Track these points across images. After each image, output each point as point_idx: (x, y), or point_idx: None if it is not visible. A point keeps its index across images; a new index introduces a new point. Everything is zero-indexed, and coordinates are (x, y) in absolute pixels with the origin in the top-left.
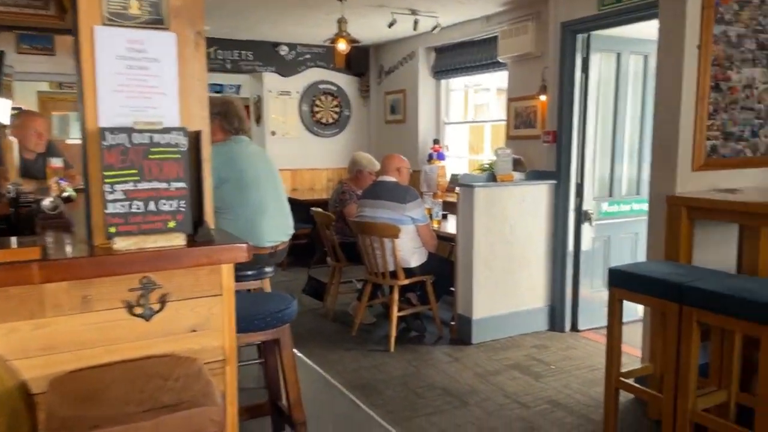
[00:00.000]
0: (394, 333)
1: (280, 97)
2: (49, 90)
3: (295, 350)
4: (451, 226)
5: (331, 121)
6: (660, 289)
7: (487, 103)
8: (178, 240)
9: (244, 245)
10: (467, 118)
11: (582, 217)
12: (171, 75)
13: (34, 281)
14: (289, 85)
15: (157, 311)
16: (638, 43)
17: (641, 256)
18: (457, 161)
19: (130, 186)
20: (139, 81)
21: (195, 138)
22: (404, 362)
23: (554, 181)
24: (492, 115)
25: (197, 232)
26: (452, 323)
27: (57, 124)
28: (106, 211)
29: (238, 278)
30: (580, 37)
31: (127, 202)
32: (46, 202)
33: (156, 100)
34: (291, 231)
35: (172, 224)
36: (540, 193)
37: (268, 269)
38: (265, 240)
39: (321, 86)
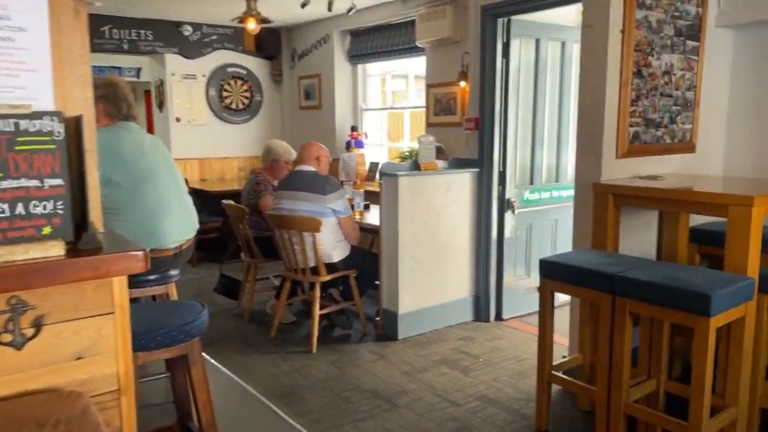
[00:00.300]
0: (316, 332)
1: (185, 80)
2: None
3: (206, 356)
4: (373, 217)
5: (241, 106)
6: (592, 280)
7: (405, 91)
8: (56, 249)
9: (141, 252)
10: (386, 105)
11: (505, 205)
12: (43, 48)
13: None
14: (195, 68)
15: (31, 337)
16: (556, 30)
17: (562, 243)
18: (376, 149)
19: None
20: (2, 55)
21: (75, 124)
22: (328, 363)
23: (477, 169)
24: (411, 102)
25: (80, 239)
26: (377, 319)
27: None
28: None
29: (139, 284)
30: (500, 22)
31: None
32: None
33: (24, 79)
34: (196, 227)
35: (47, 230)
36: (464, 181)
37: (173, 272)
38: (168, 240)
39: (230, 69)
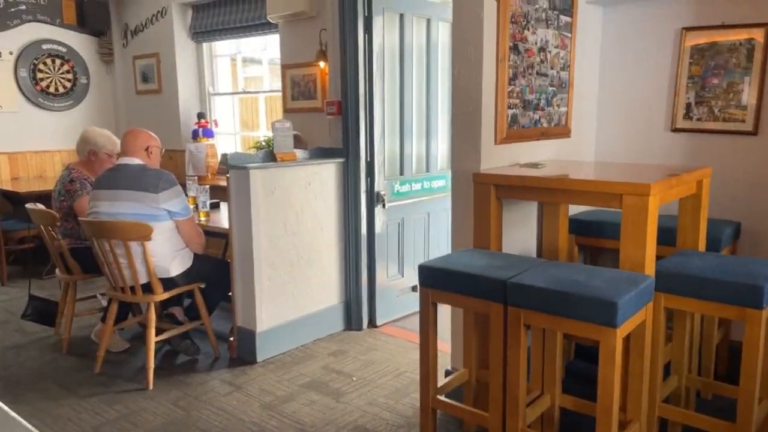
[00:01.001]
0: (152, 364)
1: None
2: None
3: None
4: (223, 218)
5: (62, 90)
6: (481, 287)
7: (260, 76)
8: None
9: None
10: (238, 89)
11: (374, 198)
12: None
13: None
14: None
15: None
16: (421, 5)
17: (435, 238)
18: (228, 139)
19: None
20: None
21: None
22: (168, 404)
23: (342, 159)
24: (266, 86)
25: None
26: (231, 339)
27: None
28: None
29: None
30: None
31: None
32: None
33: None
34: None
35: None
36: (327, 173)
37: None
38: None
39: (45, 47)
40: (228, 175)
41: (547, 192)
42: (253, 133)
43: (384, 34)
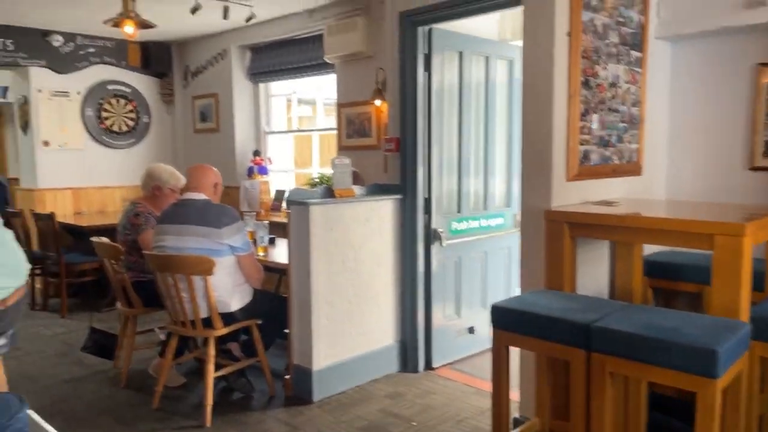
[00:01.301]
0: (210, 401)
1: (55, 98)
2: None
3: None
4: (279, 253)
5: (125, 129)
6: (562, 331)
7: (312, 117)
8: None
9: None
10: (292, 128)
11: (432, 236)
12: None
13: None
14: (68, 84)
15: None
16: (480, 43)
17: (492, 278)
18: (281, 176)
19: None
20: None
21: None
22: None
23: (400, 196)
24: (320, 124)
25: None
26: (287, 377)
27: None
28: None
29: None
30: (421, 31)
31: None
32: None
33: None
34: (24, 271)
35: None
36: (385, 210)
37: None
38: None
39: (110, 87)
40: (288, 211)
41: (625, 231)
42: (305, 171)
43: (443, 71)
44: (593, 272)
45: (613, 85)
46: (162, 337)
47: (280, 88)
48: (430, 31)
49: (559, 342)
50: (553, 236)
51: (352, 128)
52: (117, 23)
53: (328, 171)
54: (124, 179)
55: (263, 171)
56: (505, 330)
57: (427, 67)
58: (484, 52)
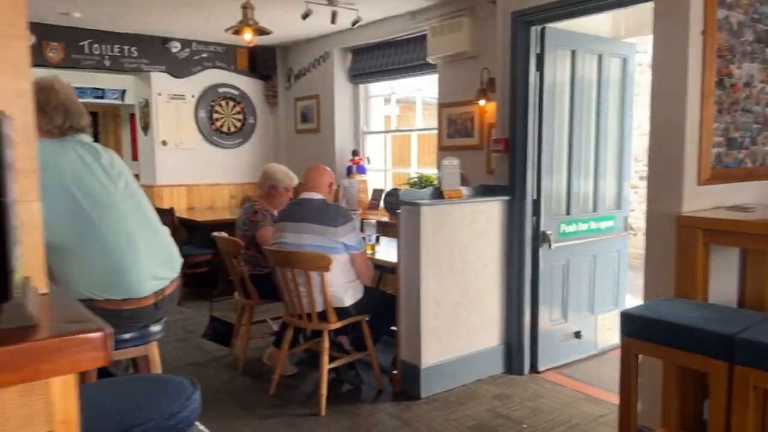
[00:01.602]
0: (324, 391)
1: (173, 101)
2: None
3: (199, 426)
4: (382, 251)
5: (233, 129)
6: (700, 342)
7: (411, 116)
8: None
9: (100, 333)
10: (390, 127)
11: (540, 238)
12: None
13: None
14: (183, 88)
15: None
16: (594, 41)
17: (601, 282)
18: (378, 175)
19: None
20: None
21: None
22: None
23: (508, 197)
24: (418, 124)
25: None
26: (394, 372)
27: None
28: None
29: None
30: (533, 30)
31: None
32: None
33: None
34: (178, 264)
35: None
36: (492, 211)
37: (154, 329)
38: (144, 287)
39: (221, 90)
40: (383, 208)
41: (753, 237)
42: (403, 170)
43: (555, 71)
44: (723, 280)
45: (747, 84)
46: (275, 327)
47: (379, 89)
48: (542, 30)
49: (698, 353)
50: (686, 243)
51: (454, 128)
52: (237, 30)
53: (426, 171)
54: (232, 177)
55: (361, 170)
56: (636, 338)
57: (539, 67)
58: (597, 50)
